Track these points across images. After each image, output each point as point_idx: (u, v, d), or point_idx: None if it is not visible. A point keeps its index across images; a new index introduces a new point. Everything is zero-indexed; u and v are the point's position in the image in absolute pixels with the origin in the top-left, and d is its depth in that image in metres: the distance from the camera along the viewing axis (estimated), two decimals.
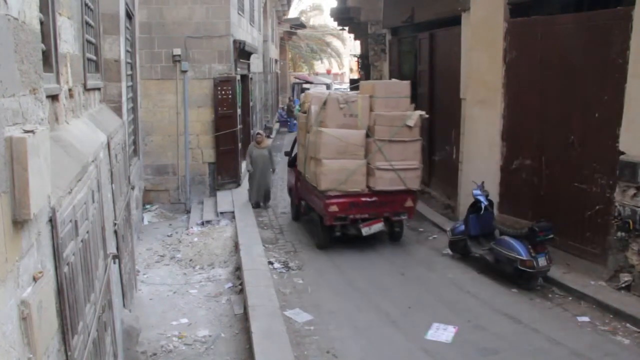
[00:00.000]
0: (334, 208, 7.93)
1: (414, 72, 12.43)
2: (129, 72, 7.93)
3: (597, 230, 6.87)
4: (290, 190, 10.43)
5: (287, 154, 10.66)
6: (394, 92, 8.34)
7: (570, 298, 6.55)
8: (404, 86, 8.58)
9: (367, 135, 8.07)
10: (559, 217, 7.21)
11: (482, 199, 7.56)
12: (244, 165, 13.10)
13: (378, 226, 8.17)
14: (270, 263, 7.81)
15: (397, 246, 8.80)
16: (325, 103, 8.16)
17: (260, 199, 11.13)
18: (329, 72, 46.68)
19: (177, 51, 11.45)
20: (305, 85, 27.81)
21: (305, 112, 8.96)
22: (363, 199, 8.04)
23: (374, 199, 8.05)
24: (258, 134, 11.67)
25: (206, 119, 11.90)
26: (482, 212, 7.53)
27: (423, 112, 8.44)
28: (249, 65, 14.48)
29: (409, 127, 8.03)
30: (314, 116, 8.38)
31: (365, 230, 8.09)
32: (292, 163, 10.08)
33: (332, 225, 8.17)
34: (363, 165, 8.01)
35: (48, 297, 2.19)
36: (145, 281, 7.52)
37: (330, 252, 8.42)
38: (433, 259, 8.14)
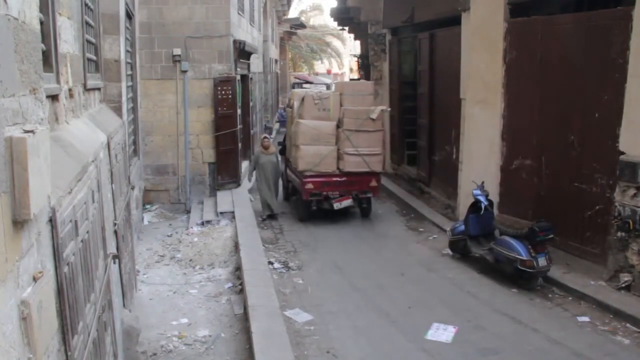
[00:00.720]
0: (309, 186, 9.50)
1: (414, 72, 12.44)
2: (129, 72, 7.93)
3: (597, 230, 6.87)
4: (281, 175, 11.39)
5: (280, 143, 11.99)
6: (359, 90, 10.06)
7: (570, 298, 6.55)
8: (368, 85, 10.58)
9: (338, 126, 9.65)
10: (559, 217, 7.21)
11: (482, 199, 7.57)
12: (244, 166, 13.08)
13: (347, 202, 9.68)
14: (270, 263, 7.82)
15: (398, 246, 8.82)
16: (303, 99, 9.84)
17: (276, 210, 10.39)
18: (329, 72, 46.64)
19: (177, 51, 11.44)
20: (305, 85, 27.85)
21: (291, 108, 10.68)
22: (334, 178, 9.59)
23: (343, 178, 9.58)
24: (265, 137, 10.78)
25: (206, 119, 11.89)
26: (482, 212, 7.53)
27: (385, 107, 10.30)
28: (249, 65, 14.47)
29: (372, 119, 9.59)
30: (295, 110, 10.13)
31: (337, 205, 9.59)
32: (283, 151, 11.42)
33: (309, 201, 9.66)
34: (334, 150, 9.61)
35: (48, 297, 2.19)
36: (145, 281, 7.52)
37: (330, 252, 8.44)
38: (433, 259, 8.14)
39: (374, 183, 9.66)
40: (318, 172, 9.49)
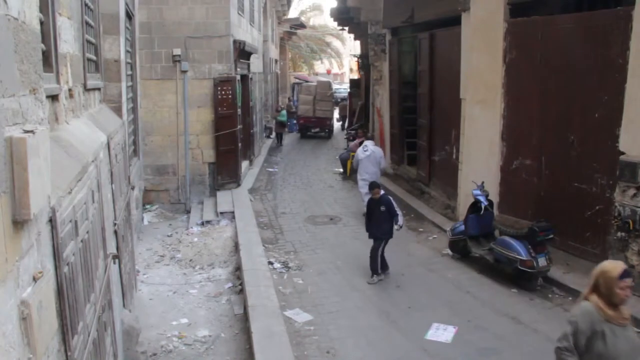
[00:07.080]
0: (302, 122, 23.22)
1: (414, 72, 12.44)
2: (129, 72, 7.93)
3: (597, 230, 6.87)
4: (298, 123, 24.03)
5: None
6: (324, 84, 24.07)
7: (570, 298, 6.55)
8: (327, 82, 25.38)
9: (314, 98, 22.55)
10: (559, 217, 7.21)
11: (482, 199, 7.57)
12: (244, 166, 13.07)
13: (317, 129, 23.11)
14: (270, 263, 7.82)
15: (398, 246, 8.80)
16: (301, 87, 25.94)
17: None
18: (329, 72, 46.61)
19: (177, 51, 11.44)
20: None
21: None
22: (312, 119, 22.83)
23: (315, 120, 22.85)
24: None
25: (206, 119, 11.90)
26: (482, 212, 7.53)
27: (333, 90, 25.56)
28: (249, 65, 14.46)
29: (328, 95, 23.11)
30: (299, 91, 25.41)
31: (313, 131, 23.17)
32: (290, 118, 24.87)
33: (302, 129, 23.31)
34: (312, 107, 22.59)
35: (48, 297, 2.19)
36: (145, 281, 7.52)
37: (330, 252, 8.44)
38: (433, 259, 8.14)
39: (328, 122, 23.04)
40: (306, 116, 22.67)
